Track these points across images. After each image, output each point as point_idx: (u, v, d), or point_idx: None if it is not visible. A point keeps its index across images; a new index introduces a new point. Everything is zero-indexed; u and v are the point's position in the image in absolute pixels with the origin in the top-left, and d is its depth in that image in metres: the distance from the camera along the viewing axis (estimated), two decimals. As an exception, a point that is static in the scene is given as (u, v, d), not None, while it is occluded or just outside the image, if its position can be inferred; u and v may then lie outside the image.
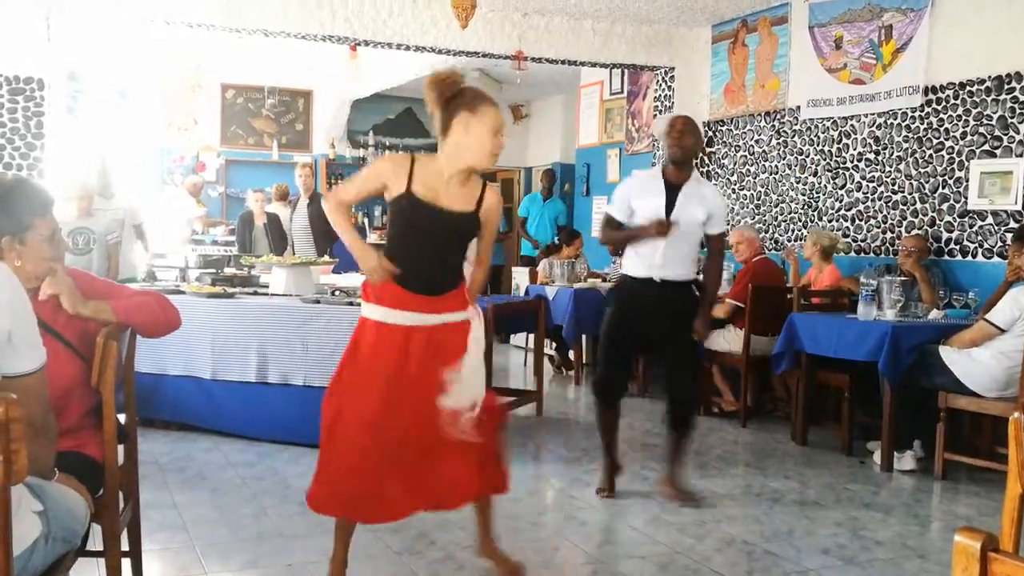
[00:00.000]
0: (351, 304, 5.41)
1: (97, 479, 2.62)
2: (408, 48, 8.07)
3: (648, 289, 4.41)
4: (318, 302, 5.52)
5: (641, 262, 4.42)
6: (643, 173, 4.66)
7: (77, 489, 2.30)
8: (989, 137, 6.14)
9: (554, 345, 8.84)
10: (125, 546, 2.95)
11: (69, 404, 2.62)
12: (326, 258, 7.03)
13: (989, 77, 6.14)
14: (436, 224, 3.17)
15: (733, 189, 8.50)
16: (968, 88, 6.29)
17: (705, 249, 4.68)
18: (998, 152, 6.08)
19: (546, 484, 4.96)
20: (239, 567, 3.62)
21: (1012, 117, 5.99)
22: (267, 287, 6.18)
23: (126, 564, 2.97)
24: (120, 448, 2.83)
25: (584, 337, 8.61)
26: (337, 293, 5.80)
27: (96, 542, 2.68)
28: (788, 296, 6.31)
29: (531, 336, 8.44)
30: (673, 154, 4.42)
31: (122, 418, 2.89)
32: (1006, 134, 6.03)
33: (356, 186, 3.30)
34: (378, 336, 3.15)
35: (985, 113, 6.17)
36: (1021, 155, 5.93)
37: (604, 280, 8.63)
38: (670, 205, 4.37)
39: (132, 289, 2.97)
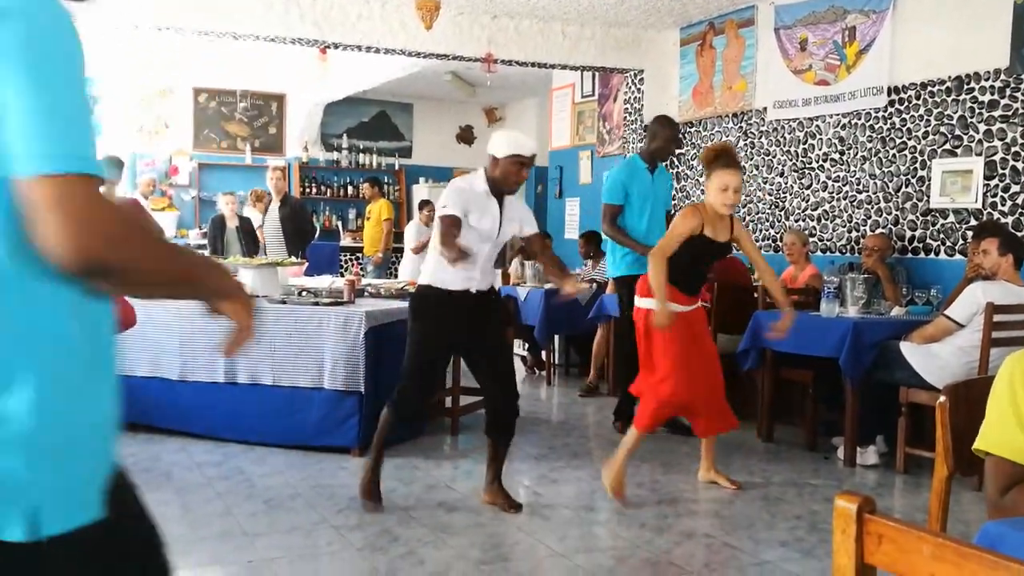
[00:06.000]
0: (316, 304, 5.43)
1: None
2: (378, 51, 8.09)
3: (464, 300, 4.28)
4: (284, 302, 5.53)
5: (456, 275, 4.23)
6: (476, 186, 4.31)
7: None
8: (950, 137, 6.23)
9: (527, 346, 8.87)
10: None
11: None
12: (293, 259, 7.00)
13: (949, 78, 6.22)
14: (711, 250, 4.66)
15: (702, 190, 8.54)
16: (929, 88, 6.37)
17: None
18: (959, 151, 6.16)
19: (513, 481, 4.98)
20: (200, 564, 3.63)
21: (971, 117, 6.08)
22: (235, 288, 6.16)
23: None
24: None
25: (556, 338, 8.70)
26: (304, 294, 5.81)
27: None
28: (754, 295, 6.36)
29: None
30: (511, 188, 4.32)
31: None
32: (966, 133, 6.11)
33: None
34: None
35: (946, 113, 6.25)
36: (980, 154, 6.01)
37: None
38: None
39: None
